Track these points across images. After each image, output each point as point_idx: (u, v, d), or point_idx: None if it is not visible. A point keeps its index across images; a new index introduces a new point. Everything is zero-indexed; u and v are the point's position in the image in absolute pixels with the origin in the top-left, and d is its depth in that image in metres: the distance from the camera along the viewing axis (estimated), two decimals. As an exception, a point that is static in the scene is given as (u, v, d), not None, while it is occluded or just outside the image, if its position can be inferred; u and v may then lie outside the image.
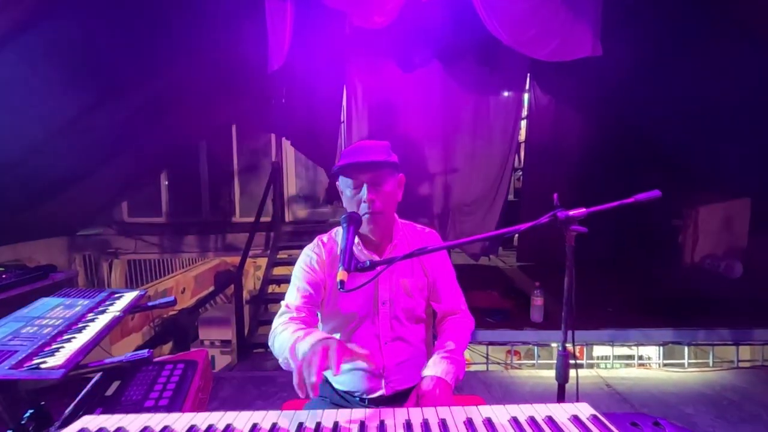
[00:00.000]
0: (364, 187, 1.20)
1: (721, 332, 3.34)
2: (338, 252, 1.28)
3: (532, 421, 0.84)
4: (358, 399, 1.33)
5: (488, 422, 0.83)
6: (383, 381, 1.30)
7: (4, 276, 2.83)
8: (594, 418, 0.83)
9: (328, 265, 1.31)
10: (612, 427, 0.79)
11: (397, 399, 1.31)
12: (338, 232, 1.35)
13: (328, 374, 1.38)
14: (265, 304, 4.55)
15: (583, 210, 1.07)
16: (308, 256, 1.33)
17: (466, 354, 3.38)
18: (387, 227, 1.30)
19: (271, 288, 4.78)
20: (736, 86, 3.72)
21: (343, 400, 1.35)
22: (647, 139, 4.86)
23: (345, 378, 1.33)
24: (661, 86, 4.26)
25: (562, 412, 0.87)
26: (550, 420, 0.83)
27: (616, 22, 3.38)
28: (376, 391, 1.31)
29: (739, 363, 3.32)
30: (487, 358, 3.43)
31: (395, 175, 1.27)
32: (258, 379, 3.05)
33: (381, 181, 1.21)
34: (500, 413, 0.87)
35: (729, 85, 3.74)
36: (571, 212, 1.07)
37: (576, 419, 0.83)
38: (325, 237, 1.37)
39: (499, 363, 3.68)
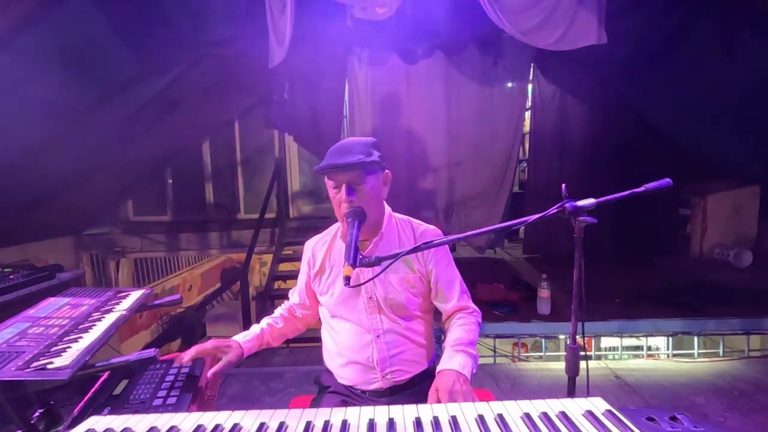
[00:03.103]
0: (344, 187, 1.21)
1: (732, 322, 3.30)
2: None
3: (545, 416, 0.82)
4: (360, 392, 1.34)
5: (500, 418, 0.82)
6: (378, 373, 1.30)
7: (11, 276, 2.84)
8: (609, 413, 0.81)
9: (324, 258, 1.38)
10: (627, 422, 0.78)
11: (397, 392, 1.32)
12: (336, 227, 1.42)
13: (332, 369, 1.40)
14: (271, 300, 4.55)
15: (593, 201, 1.05)
16: (304, 250, 1.46)
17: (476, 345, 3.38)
18: (374, 224, 1.29)
19: (277, 284, 4.79)
20: (744, 73, 3.65)
21: (349, 392, 1.37)
22: (653, 128, 4.80)
23: (344, 372, 1.35)
24: (668, 74, 4.19)
25: (575, 407, 0.85)
26: (564, 415, 0.82)
27: (621, 9, 3.32)
28: (372, 383, 1.32)
29: (749, 353, 3.28)
30: (494, 350, 3.42)
31: (377, 173, 1.25)
32: (265, 375, 3.06)
33: (360, 181, 1.20)
34: (512, 409, 0.85)
35: (737, 72, 3.67)
36: (580, 203, 1.04)
37: (590, 414, 0.82)
38: (330, 228, 1.44)
39: (506, 356, 3.67)
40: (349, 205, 1.20)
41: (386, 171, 1.28)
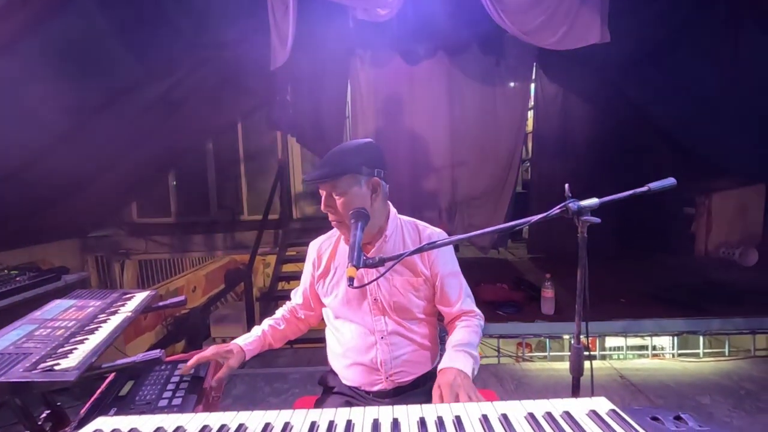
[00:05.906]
0: (323, 197, 1.25)
1: (737, 321, 3.29)
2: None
3: (549, 416, 0.82)
4: (364, 393, 1.34)
5: (504, 418, 0.82)
6: (383, 375, 1.31)
7: (17, 278, 2.87)
8: (613, 413, 0.81)
9: (328, 259, 1.38)
10: (632, 422, 0.77)
11: (400, 393, 1.32)
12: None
13: (337, 370, 1.40)
14: (275, 301, 4.56)
15: (596, 200, 1.05)
16: (309, 250, 1.45)
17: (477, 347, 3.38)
18: (371, 228, 1.27)
19: (281, 285, 4.80)
20: (748, 71, 3.63)
21: (353, 393, 1.37)
22: (657, 126, 4.77)
23: (348, 373, 1.36)
24: (672, 72, 4.17)
25: (579, 406, 0.85)
26: (568, 415, 0.82)
27: (624, 8, 3.30)
28: (376, 384, 1.32)
29: (756, 352, 3.27)
30: (498, 351, 3.41)
31: (361, 181, 1.22)
32: (270, 376, 3.07)
33: (338, 192, 1.21)
34: (516, 409, 0.85)
35: (742, 70, 3.65)
36: (584, 203, 1.04)
37: (594, 414, 0.82)
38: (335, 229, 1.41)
39: (510, 356, 3.66)
40: (328, 216, 1.26)
41: (374, 178, 1.23)
